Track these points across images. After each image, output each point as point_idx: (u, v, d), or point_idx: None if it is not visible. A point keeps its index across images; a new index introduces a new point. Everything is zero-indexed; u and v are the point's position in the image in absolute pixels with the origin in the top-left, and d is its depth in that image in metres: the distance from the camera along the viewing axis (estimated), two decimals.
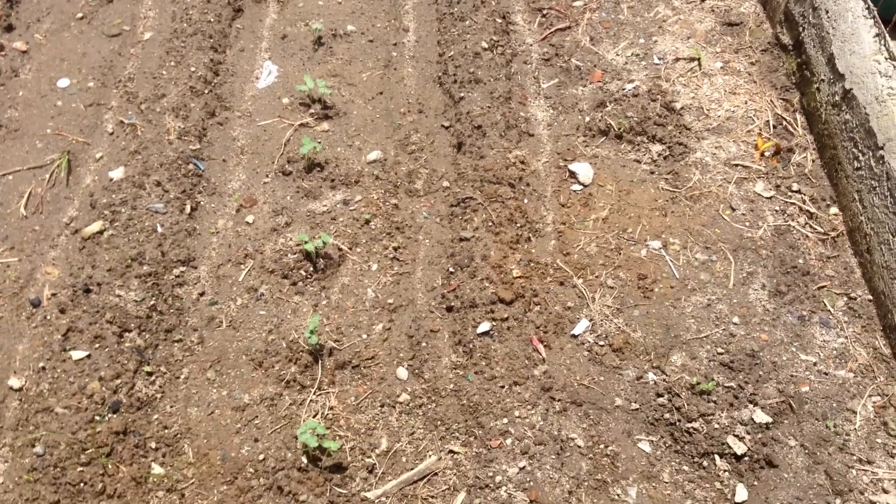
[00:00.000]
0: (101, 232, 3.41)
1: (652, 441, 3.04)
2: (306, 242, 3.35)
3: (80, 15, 4.38)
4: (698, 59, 4.30)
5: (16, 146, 3.77)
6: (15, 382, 3.02)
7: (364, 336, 3.28)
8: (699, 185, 3.77)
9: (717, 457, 2.96)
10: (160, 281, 3.31)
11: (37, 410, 2.92)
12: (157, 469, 2.87)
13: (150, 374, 3.08)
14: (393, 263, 3.50)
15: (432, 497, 2.89)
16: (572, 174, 3.83)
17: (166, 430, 2.98)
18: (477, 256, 3.44)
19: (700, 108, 4.09)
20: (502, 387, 3.11)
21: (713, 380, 3.09)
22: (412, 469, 2.95)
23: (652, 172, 3.85)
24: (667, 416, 3.06)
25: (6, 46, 4.16)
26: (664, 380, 3.15)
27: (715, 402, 3.04)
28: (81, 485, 2.77)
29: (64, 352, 3.05)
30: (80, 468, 2.79)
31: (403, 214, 3.68)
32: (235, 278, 3.42)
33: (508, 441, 2.98)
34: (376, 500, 2.86)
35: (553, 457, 2.95)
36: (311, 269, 3.42)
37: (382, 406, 3.10)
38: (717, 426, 2.98)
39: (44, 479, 2.78)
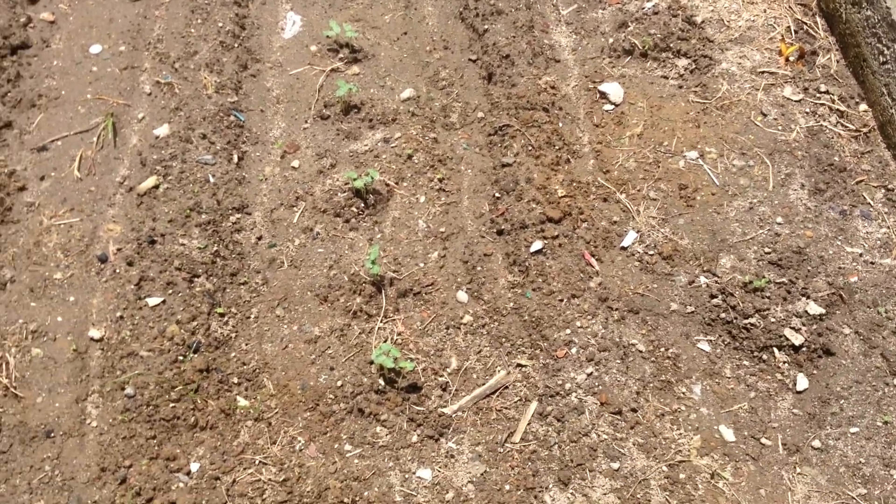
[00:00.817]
0: (156, 186, 3.50)
1: (710, 340, 3.16)
2: (355, 179, 3.44)
3: None
4: None
5: (59, 113, 3.84)
6: (95, 333, 3.13)
7: (421, 264, 3.39)
8: (728, 94, 3.84)
9: (775, 349, 3.08)
10: (219, 228, 3.42)
11: (121, 356, 3.04)
12: (242, 401, 3.00)
13: (222, 315, 3.20)
14: (439, 194, 3.60)
15: (506, 408, 3.02)
16: (603, 95, 3.90)
17: (245, 366, 3.11)
18: (521, 180, 3.53)
19: (720, 20, 4.15)
20: (561, 300, 3.23)
21: (764, 277, 3.21)
22: (483, 384, 3.07)
23: (680, 87, 3.92)
24: (722, 315, 3.18)
25: (34, 18, 4.21)
26: (716, 282, 3.26)
27: (769, 297, 3.15)
28: (175, 420, 2.91)
29: (139, 300, 3.17)
30: (171, 404, 2.93)
31: (443, 147, 3.77)
32: (290, 220, 3.52)
33: (573, 350, 3.11)
34: (453, 415, 3.00)
35: (617, 361, 3.08)
36: (362, 205, 3.52)
37: (448, 328, 3.22)
38: (773, 320, 3.10)
39: (138, 417, 2.91)
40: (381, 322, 3.21)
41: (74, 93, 3.93)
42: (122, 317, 3.15)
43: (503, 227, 3.46)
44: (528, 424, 2.98)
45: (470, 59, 4.14)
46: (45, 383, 3.04)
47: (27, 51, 4.09)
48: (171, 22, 4.20)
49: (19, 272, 3.33)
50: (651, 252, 3.37)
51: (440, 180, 3.63)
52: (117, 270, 3.30)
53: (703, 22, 4.13)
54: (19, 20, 4.15)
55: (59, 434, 2.93)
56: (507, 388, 3.07)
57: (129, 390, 2.96)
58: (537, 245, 3.35)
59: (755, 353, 3.10)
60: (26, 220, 3.48)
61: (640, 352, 3.13)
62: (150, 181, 3.51)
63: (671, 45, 4.02)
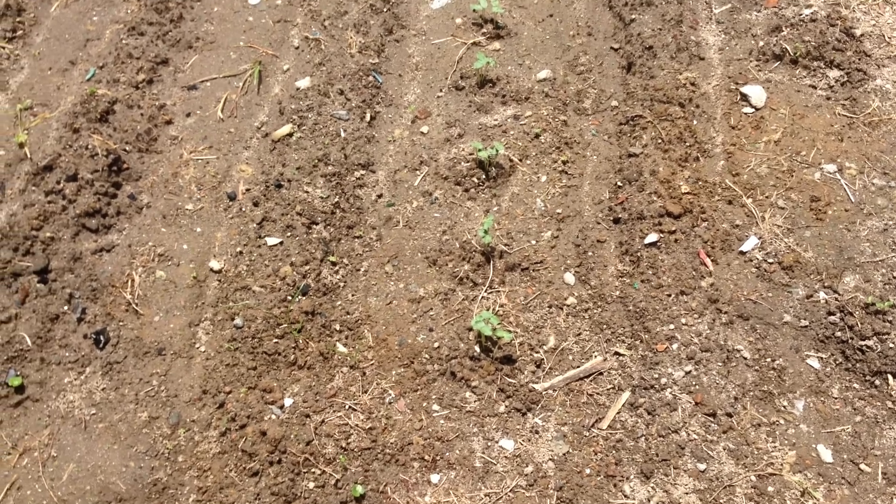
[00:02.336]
0: (290, 134, 3.65)
1: (821, 358, 3.04)
2: (480, 150, 3.48)
3: None
4: None
5: (212, 56, 4.05)
6: (215, 265, 3.30)
7: (533, 242, 3.40)
8: (879, 111, 3.66)
9: (889, 376, 2.93)
10: (343, 181, 3.53)
11: (235, 289, 3.20)
12: (341, 348, 3.10)
13: (334, 264, 3.31)
14: (561, 176, 3.59)
15: (597, 394, 3.00)
16: (744, 97, 3.79)
17: (348, 316, 3.20)
18: (646, 171, 3.49)
19: (881, 35, 3.95)
20: (669, 295, 3.17)
21: (889, 300, 3.05)
22: (578, 367, 3.06)
23: (828, 98, 3.77)
24: (838, 333, 3.05)
25: None
26: (836, 299, 3.13)
27: (890, 322, 3.00)
28: (276, 355, 3.03)
29: (259, 238, 3.32)
30: (275, 340, 3.05)
31: (572, 131, 3.75)
32: (411, 183, 3.59)
33: (674, 346, 3.05)
34: (543, 392, 3.00)
35: (719, 364, 3.00)
36: (483, 176, 3.55)
37: (550, 307, 3.22)
38: (891, 346, 2.95)
39: (243, 347, 3.05)
40: (485, 292, 3.25)
41: (229, 39, 4.13)
42: (241, 252, 3.31)
43: (620, 215, 3.43)
44: (618, 413, 2.95)
45: (612, 48, 4.10)
46: (164, 304, 3.23)
47: None
48: None
49: (155, 199, 3.54)
50: (771, 260, 3.26)
51: (564, 162, 3.63)
52: (243, 209, 3.46)
53: (862, 35, 3.94)
54: None
55: (169, 353, 3.11)
56: (601, 374, 3.05)
57: (237, 321, 3.10)
58: (652, 237, 3.30)
59: (867, 377, 2.96)
60: (168, 152, 3.69)
61: (745, 358, 3.04)
62: (286, 129, 3.66)
63: (825, 54, 3.86)
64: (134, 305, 3.22)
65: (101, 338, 3.15)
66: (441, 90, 3.93)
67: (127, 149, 3.63)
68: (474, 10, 4.15)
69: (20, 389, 3.04)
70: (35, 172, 3.47)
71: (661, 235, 3.31)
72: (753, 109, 3.76)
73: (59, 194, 3.42)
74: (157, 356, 3.10)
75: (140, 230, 3.44)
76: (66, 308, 3.23)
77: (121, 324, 3.20)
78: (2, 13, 4.14)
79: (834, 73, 3.84)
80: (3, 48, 4.05)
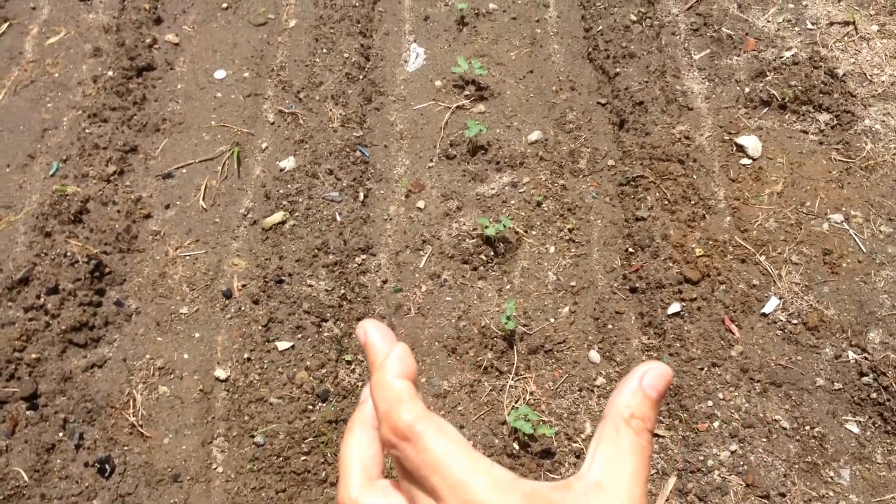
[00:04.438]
0: (282, 222, 3.44)
1: (859, 422, 2.99)
2: (487, 227, 3.34)
3: (224, 5, 4.40)
4: (853, 23, 4.16)
5: (184, 139, 3.81)
6: (221, 373, 3.08)
7: (551, 319, 3.27)
8: (872, 154, 3.66)
9: None
10: (345, 269, 3.34)
11: (249, 401, 2.98)
12: None
13: (349, 362, 3.12)
14: (569, 245, 3.48)
15: None
16: (740, 147, 3.75)
17: None
18: (657, 236, 3.40)
19: (862, 73, 3.97)
20: (701, 368, 3.08)
21: None
22: None
23: (821, 143, 3.75)
24: (873, 395, 3.00)
25: (159, 40, 4.20)
26: (866, 358, 3.09)
27: None
28: (305, 473, 2.83)
29: (267, 342, 3.10)
30: (303, 457, 2.85)
31: (572, 195, 3.65)
32: (416, 265, 3.43)
33: (716, 424, 2.96)
34: None
35: (763, 440, 2.92)
36: (491, 253, 3.41)
37: (581, 390, 3.10)
38: None
39: (267, 468, 2.84)
40: (512, 380, 3.10)
41: (199, 119, 3.90)
42: (249, 358, 3.09)
43: (636, 284, 3.33)
44: (667, 501, 2.84)
45: (599, 103, 4.01)
46: (172, 423, 2.99)
47: (152, 73, 4.08)
48: (295, 49, 4.16)
49: (145, 304, 3.29)
50: (795, 321, 3.21)
51: (570, 230, 3.52)
52: (242, 308, 3.25)
53: (844, 75, 3.95)
54: (145, 41, 4.14)
55: (186, 478, 2.87)
56: None
57: (258, 438, 2.89)
58: (675, 307, 3.21)
59: None
60: (152, 250, 3.44)
61: (784, 429, 2.97)
62: (277, 216, 3.45)
63: (812, 98, 3.84)
64: (139, 428, 2.97)
65: (106, 466, 2.90)
66: (431, 160, 3.78)
67: (107, 250, 3.37)
68: (453, 72, 4.01)
69: None
70: (9, 287, 3.18)
71: (684, 304, 3.22)
72: (751, 160, 3.71)
73: (40, 309, 3.14)
74: (172, 483, 2.87)
75: (133, 341, 3.19)
76: (61, 434, 2.97)
77: (126, 448, 2.95)
78: None
79: (824, 117, 3.83)
80: None
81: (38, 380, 3.03)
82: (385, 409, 0.68)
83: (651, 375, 0.69)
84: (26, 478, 2.84)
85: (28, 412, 2.97)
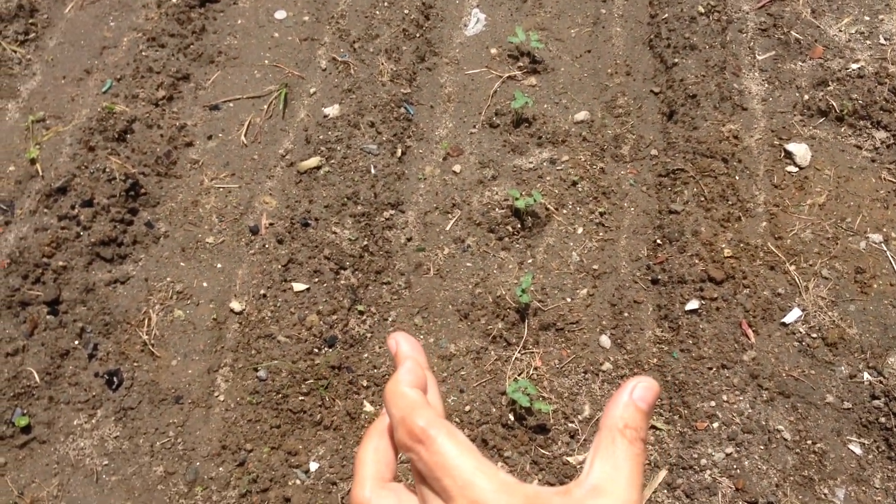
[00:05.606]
0: (318, 167, 3.48)
1: (863, 444, 2.94)
2: (517, 199, 3.34)
3: None
4: None
5: (235, 74, 3.86)
6: (236, 306, 3.14)
7: (568, 299, 3.26)
8: None
9: None
10: (372, 222, 3.37)
11: (258, 336, 3.04)
12: (368, 407, 2.95)
13: (361, 313, 3.16)
14: (598, 229, 3.46)
15: None
16: (788, 154, 3.67)
17: (375, 370, 3.06)
18: (687, 231, 3.36)
19: None
20: (710, 368, 3.05)
21: None
22: None
23: (873, 160, 3.65)
24: (882, 419, 2.95)
25: None
26: (881, 381, 3.02)
27: None
28: (301, 413, 2.88)
29: (285, 282, 3.15)
30: (301, 397, 2.90)
31: (609, 179, 3.62)
32: (442, 227, 3.44)
33: (715, 425, 2.93)
34: (578, 465, 2.87)
35: (761, 448, 2.89)
36: (519, 225, 3.41)
37: (586, 372, 3.09)
38: None
39: (266, 402, 2.90)
40: (518, 352, 3.11)
41: (253, 55, 3.94)
42: (265, 295, 3.14)
43: (659, 276, 3.30)
44: (654, 492, 2.84)
45: (651, 91, 3.96)
46: (182, 347, 3.07)
47: (215, 5, 4.14)
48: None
49: (174, 228, 3.36)
50: (814, 335, 3.15)
51: (601, 214, 3.49)
52: (266, 245, 3.30)
53: None
54: None
55: (187, 402, 2.95)
56: None
57: (261, 372, 2.95)
58: (694, 304, 3.18)
59: None
60: (188, 178, 3.51)
61: (785, 440, 2.93)
62: (313, 161, 3.49)
63: (872, 113, 3.74)
64: (150, 347, 3.06)
65: (115, 379, 2.99)
66: (474, 126, 3.78)
67: (145, 172, 3.45)
68: (510, 42, 3.99)
69: (27, 430, 2.87)
70: (48, 194, 3.28)
71: (703, 302, 3.19)
72: (797, 168, 3.64)
73: (73, 220, 3.23)
74: (174, 404, 2.94)
75: (158, 263, 3.27)
76: (76, 343, 3.06)
77: (135, 364, 3.03)
78: (14, 14, 3.92)
79: (881, 134, 3.73)
80: (15, 52, 3.84)
81: (61, 287, 3.13)
82: (400, 416, 0.74)
83: (640, 389, 0.75)
84: (38, 379, 2.94)
85: (48, 316, 3.07)
